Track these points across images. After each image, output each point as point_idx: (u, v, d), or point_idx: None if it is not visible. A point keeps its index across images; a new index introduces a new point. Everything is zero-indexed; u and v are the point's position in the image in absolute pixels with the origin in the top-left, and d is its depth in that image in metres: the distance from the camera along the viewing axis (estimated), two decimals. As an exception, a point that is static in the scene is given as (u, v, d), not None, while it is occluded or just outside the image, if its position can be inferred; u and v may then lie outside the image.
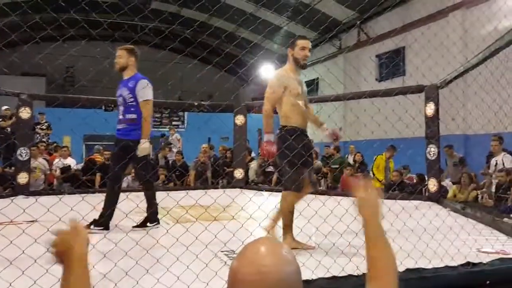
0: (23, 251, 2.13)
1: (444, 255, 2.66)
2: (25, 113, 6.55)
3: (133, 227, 3.71)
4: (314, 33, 14.11)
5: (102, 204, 3.68)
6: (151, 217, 3.92)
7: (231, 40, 13.49)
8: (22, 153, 6.49)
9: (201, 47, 10.63)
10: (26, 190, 6.47)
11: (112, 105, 12.39)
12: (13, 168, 6.95)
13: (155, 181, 8.27)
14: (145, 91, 3.83)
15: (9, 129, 8.56)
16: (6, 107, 8.63)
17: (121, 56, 3.96)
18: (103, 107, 13.31)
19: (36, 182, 7.23)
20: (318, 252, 2.73)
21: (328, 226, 2.86)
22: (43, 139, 9.30)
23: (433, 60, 4.50)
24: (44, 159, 7.90)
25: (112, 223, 3.71)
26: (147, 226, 3.82)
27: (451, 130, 5.74)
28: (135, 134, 3.82)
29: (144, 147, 3.75)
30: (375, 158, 8.55)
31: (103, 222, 3.70)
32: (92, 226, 3.65)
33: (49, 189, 7.30)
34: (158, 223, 3.96)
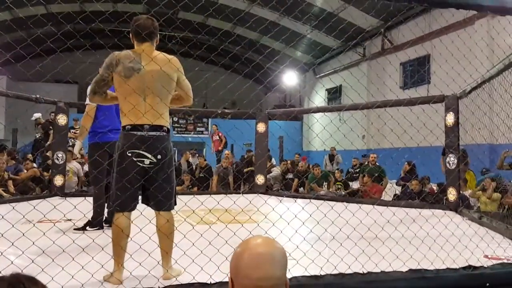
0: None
1: (446, 258, 2.81)
2: (62, 119, 7.00)
3: (74, 229, 3.83)
4: (338, 40, 14.28)
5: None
6: (92, 221, 3.94)
7: (255, 49, 13.79)
8: (59, 157, 6.93)
9: (225, 55, 10.95)
10: (61, 192, 6.91)
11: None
12: (50, 171, 7.41)
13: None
14: None
15: (38, 135, 9.02)
16: (39, 114, 9.06)
17: None
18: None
19: (69, 184, 7.67)
20: (326, 252, 2.93)
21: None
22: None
23: (459, 69, 4.57)
24: (79, 162, 8.32)
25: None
26: (86, 230, 3.86)
27: (476, 140, 5.80)
28: None
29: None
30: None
31: (96, 222, 3.95)
32: (87, 227, 3.89)
33: (80, 191, 7.71)
34: (101, 227, 3.94)
